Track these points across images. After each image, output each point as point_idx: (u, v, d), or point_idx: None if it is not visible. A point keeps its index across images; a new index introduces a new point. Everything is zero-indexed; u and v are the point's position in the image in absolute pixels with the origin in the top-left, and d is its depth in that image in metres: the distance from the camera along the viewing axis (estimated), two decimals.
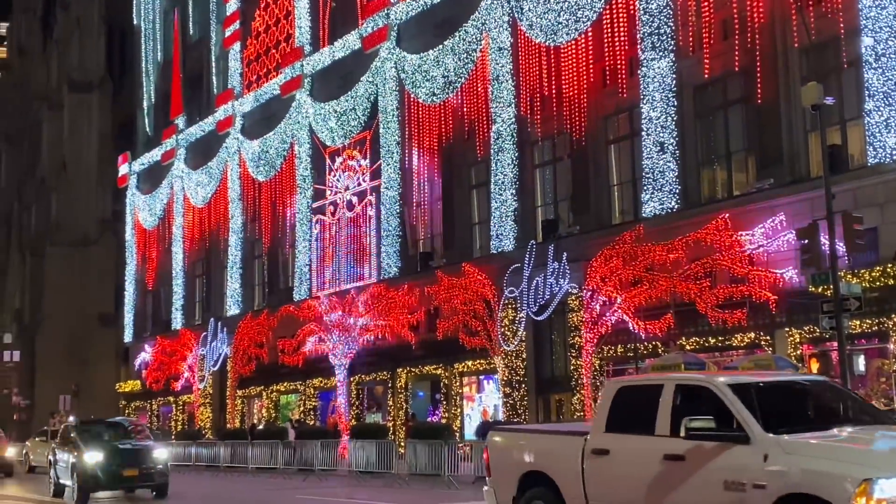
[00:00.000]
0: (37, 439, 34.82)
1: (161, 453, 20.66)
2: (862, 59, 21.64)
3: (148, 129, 55.73)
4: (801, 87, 21.53)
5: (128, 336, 55.14)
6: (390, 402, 34.29)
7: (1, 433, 32.43)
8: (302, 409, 38.82)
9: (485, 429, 26.15)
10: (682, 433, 8.39)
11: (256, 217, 43.38)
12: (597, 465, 9.42)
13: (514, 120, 30.30)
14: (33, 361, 71.95)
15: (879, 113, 21.13)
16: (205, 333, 44.31)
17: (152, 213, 51.67)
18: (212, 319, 44.37)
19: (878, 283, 20.44)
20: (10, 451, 31.51)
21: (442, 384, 32.21)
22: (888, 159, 21.00)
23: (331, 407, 37.06)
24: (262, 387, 41.45)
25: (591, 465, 9.48)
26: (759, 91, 23.92)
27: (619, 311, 25.47)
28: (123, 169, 55.82)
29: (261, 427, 37.84)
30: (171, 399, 48.25)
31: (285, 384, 40.28)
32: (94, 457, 19.56)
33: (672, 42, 25.77)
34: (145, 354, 49.35)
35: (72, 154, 73.89)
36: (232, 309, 44.40)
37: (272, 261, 43.53)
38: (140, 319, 54.43)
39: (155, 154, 52.40)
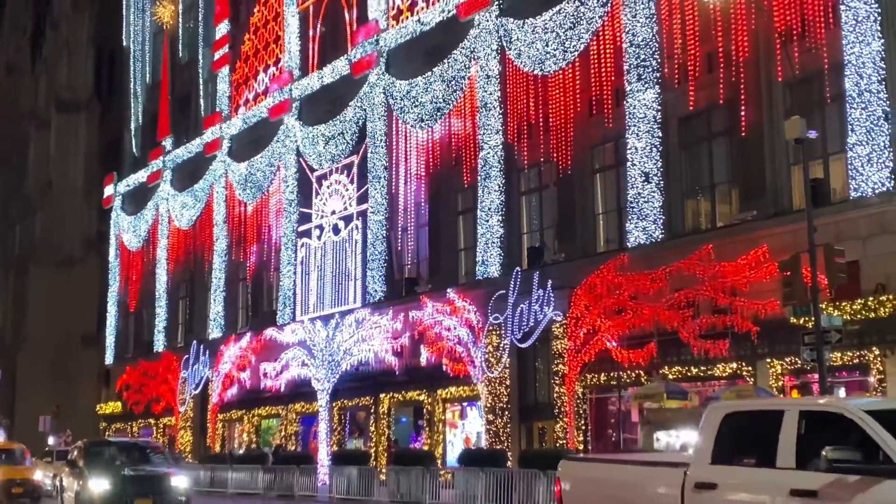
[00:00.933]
0: (41, 460, 33.40)
1: (181, 481, 18.15)
2: (845, 93, 21.89)
3: (135, 150, 55.66)
4: (784, 120, 21.75)
5: (109, 357, 54.78)
6: (372, 428, 34.17)
7: (26, 452, 28.78)
8: (283, 434, 38.62)
9: (468, 455, 26.18)
10: (823, 465, 7.49)
11: (241, 240, 43.32)
12: (702, 501, 8.48)
13: (501, 147, 30.46)
14: (14, 381, 71.34)
15: (862, 147, 21.36)
16: (187, 356, 44.10)
17: (137, 235, 51.53)
18: (194, 342, 44.18)
19: (859, 316, 20.60)
20: (39, 475, 27.81)
21: (425, 410, 32.14)
22: (870, 193, 21.21)
23: (312, 432, 36.90)
24: (244, 411, 41.25)
25: (694, 501, 8.55)
26: (743, 124, 24.14)
27: (603, 339, 25.56)
28: (109, 189, 55.67)
29: (241, 451, 37.64)
30: (152, 422, 47.94)
31: (267, 408, 40.09)
32: (99, 485, 17.35)
33: (658, 74, 26.01)
34: (126, 377, 49.08)
35: (58, 173, 73.67)
36: (214, 332, 44.24)
37: (256, 284, 43.42)
38: (122, 341, 54.11)
39: (141, 175, 52.33)
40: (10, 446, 29.30)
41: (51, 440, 49.00)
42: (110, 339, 54.81)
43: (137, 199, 52.44)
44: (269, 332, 38.67)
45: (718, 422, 8.71)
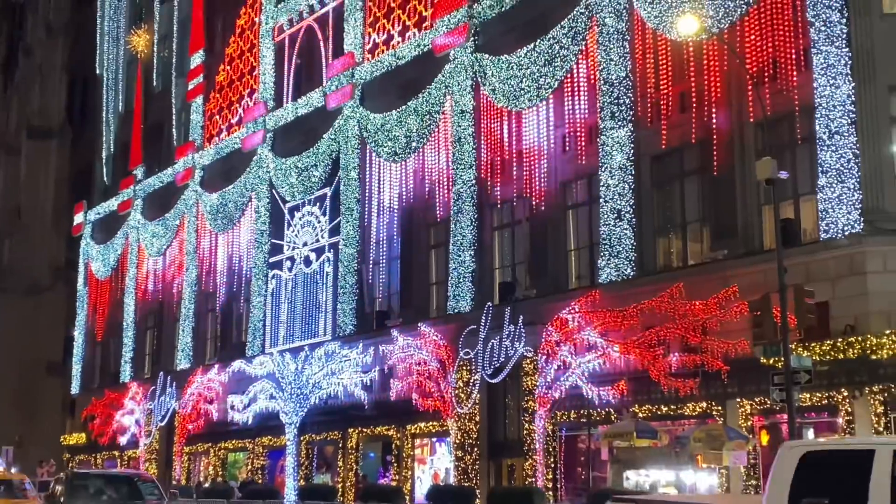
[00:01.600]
0: None
1: None
2: (816, 135, 22.09)
3: (105, 179, 55.32)
4: (755, 160, 21.93)
5: (75, 387, 54.05)
6: (340, 463, 33.81)
7: (27, 483, 25.69)
8: (249, 467, 38.13)
9: (436, 492, 25.96)
10: None
11: (211, 270, 42.99)
12: None
13: (474, 182, 30.47)
14: None
15: (832, 189, 21.54)
16: (153, 387, 43.57)
17: (105, 264, 51.04)
18: (161, 373, 43.66)
19: (828, 357, 20.65)
20: None
21: (394, 445, 31.85)
22: (839, 235, 21.35)
23: (279, 466, 36.48)
24: (210, 444, 40.74)
25: None
26: (714, 163, 24.29)
27: (573, 376, 25.48)
28: (79, 218, 55.20)
29: (207, 485, 37.13)
30: (117, 454, 47.25)
31: (234, 442, 39.61)
32: None
33: (631, 112, 26.16)
34: (92, 408, 48.43)
35: (28, 200, 73.02)
36: (182, 363, 43.75)
37: (226, 315, 43.04)
38: (88, 370, 53.41)
39: (111, 204, 51.95)
40: (9, 477, 26.42)
41: (13, 471, 48.08)
42: (76, 369, 54.11)
43: (107, 228, 52.00)
44: (238, 364, 38.29)
45: (795, 463, 7.96)
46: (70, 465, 50.34)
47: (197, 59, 46.88)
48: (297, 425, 34.79)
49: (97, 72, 58.30)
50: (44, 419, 66.88)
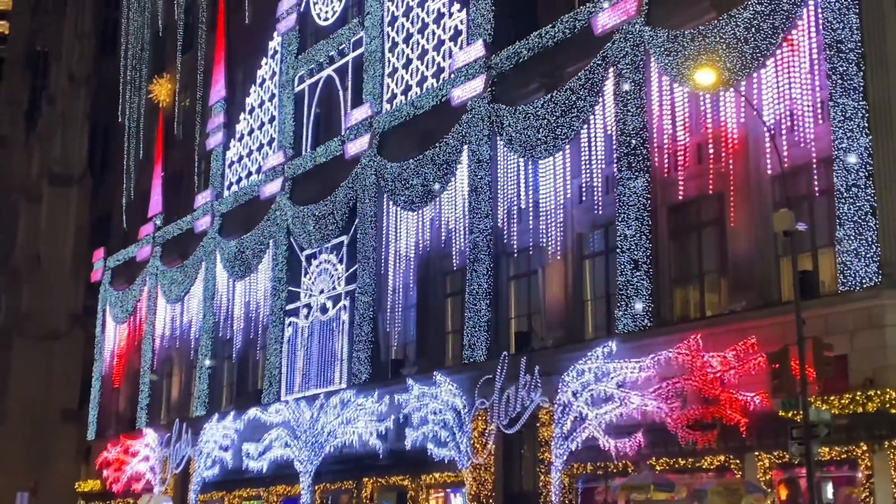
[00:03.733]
0: None
1: None
2: (833, 188, 22.06)
3: (125, 226, 55.77)
4: (773, 212, 21.89)
5: (91, 434, 54.06)
6: None
7: None
8: None
9: None
10: None
11: (228, 317, 43.08)
12: None
13: (490, 231, 30.54)
14: None
15: (850, 241, 21.43)
16: (169, 434, 43.50)
17: (124, 310, 51.26)
18: (177, 420, 43.64)
19: (847, 411, 20.41)
20: None
21: (408, 495, 31.61)
22: (858, 287, 21.22)
23: None
24: (225, 492, 40.54)
25: None
26: (731, 214, 24.28)
27: (590, 427, 25.29)
28: (98, 264, 55.60)
29: None
30: (131, 501, 47.07)
31: (248, 490, 39.40)
32: None
33: (648, 162, 26.21)
34: (107, 454, 48.35)
35: (47, 247, 73.52)
36: (198, 410, 43.71)
37: (242, 362, 43.06)
38: (104, 417, 53.44)
39: (130, 250, 52.32)
40: None
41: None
42: (93, 415, 54.14)
43: (126, 275, 52.31)
44: (253, 412, 38.25)
45: None
46: None
47: (218, 108, 47.45)
48: (312, 474, 34.61)
49: (119, 120, 59.04)
50: (59, 466, 66.73)
